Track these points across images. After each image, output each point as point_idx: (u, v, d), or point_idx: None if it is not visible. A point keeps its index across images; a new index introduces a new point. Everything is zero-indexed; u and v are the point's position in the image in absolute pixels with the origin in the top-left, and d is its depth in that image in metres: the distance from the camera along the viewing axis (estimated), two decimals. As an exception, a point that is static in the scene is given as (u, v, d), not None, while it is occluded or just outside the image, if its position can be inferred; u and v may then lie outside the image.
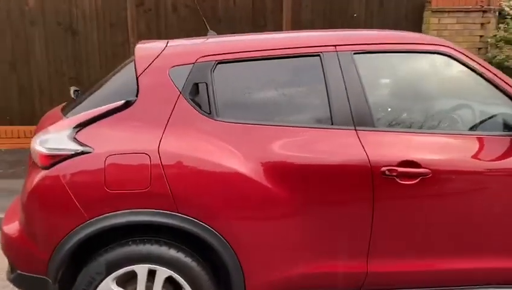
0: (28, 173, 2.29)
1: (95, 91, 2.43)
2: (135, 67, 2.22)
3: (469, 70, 2.27)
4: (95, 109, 2.13)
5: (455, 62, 2.26)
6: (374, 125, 2.17)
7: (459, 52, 2.27)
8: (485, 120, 2.33)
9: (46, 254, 2.07)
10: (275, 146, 2.12)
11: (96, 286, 2.07)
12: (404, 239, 2.20)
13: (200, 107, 2.14)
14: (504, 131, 2.27)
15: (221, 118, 2.13)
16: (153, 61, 2.21)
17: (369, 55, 2.25)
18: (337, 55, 2.22)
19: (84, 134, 2.07)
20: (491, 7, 6.08)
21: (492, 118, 2.31)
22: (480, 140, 2.24)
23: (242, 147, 2.09)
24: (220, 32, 6.10)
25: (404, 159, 2.11)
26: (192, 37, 2.66)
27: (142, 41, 2.57)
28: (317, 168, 2.11)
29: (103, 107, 2.13)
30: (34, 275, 2.12)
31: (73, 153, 2.02)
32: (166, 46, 2.29)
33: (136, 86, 2.17)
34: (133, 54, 2.36)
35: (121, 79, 2.38)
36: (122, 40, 6.03)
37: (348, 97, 2.17)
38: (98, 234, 2.03)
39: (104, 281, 2.07)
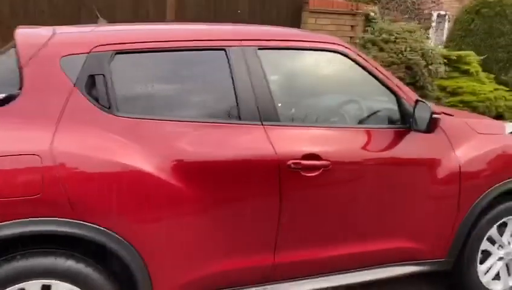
0: None
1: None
2: (17, 56, 1.94)
3: (361, 69, 2.44)
4: (-32, 105, 1.81)
5: (349, 61, 2.42)
6: (279, 120, 2.21)
7: (353, 51, 2.43)
8: (373, 114, 2.53)
9: None
10: (180, 142, 2.04)
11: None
12: (309, 229, 2.29)
13: (97, 101, 1.95)
14: (388, 124, 2.50)
15: (121, 113, 1.97)
16: (39, 49, 1.95)
17: (273, 51, 2.29)
18: (242, 50, 2.20)
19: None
20: (359, 11, 6.65)
21: (379, 112, 2.52)
22: (370, 132, 2.43)
23: (144, 144, 1.96)
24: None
25: (307, 152, 2.19)
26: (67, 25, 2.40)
27: (21, 26, 2.25)
28: (223, 163, 2.08)
29: (-22, 103, 1.82)
30: None
31: None
32: (54, 33, 2.04)
33: (20, 78, 1.90)
34: (11, 40, 2.07)
35: (1, 69, 2.06)
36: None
37: (254, 92, 2.17)
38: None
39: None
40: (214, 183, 2.06)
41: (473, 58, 7.73)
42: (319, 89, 2.51)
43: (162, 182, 1.96)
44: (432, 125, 2.29)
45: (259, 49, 2.24)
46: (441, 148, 2.53)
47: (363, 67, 2.45)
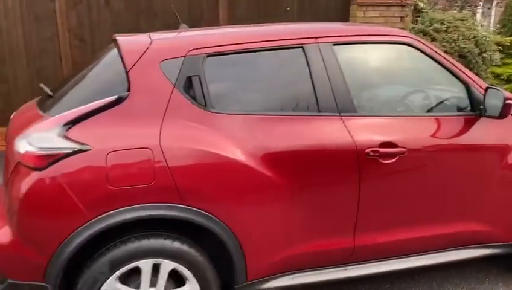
0: (6, 176, 2.16)
1: (73, 87, 2.34)
2: (123, 62, 2.18)
3: (429, 59, 2.55)
4: (85, 106, 2.06)
5: (418, 52, 2.53)
6: (355, 111, 2.36)
7: (422, 43, 2.54)
8: (443, 102, 2.63)
9: (44, 258, 1.98)
10: (268, 135, 2.21)
11: (100, 286, 2.03)
12: (387, 212, 2.43)
13: (195, 99, 2.16)
14: (459, 112, 2.59)
15: (216, 109, 2.18)
16: (142, 55, 2.18)
17: (346, 46, 2.43)
18: (319, 46, 2.37)
19: (76, 132, 2.00)
20: (408, 2, 6.64)
21: (450, 100, 2.62)
22: (441, 120, 2.53)
23: (237, 137, 2.16)
24: (156, 26, 5.99)
25: (384, 140, 2.33)
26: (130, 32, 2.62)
27: (118, 34, 2.51)
28: (308, 153, 2.25)
29: (94, 103, 2.07)
30: (30, 283, 2.02)
31: (70, 151, 1.94)
32: (151, 39, 2.27)
33: (127, 81, 2.14)
34: (114, 47, 2.32)
35: (105, 74, 2.32)
36: (51, 34, 5.66)
37: (331, 86, 2.33)
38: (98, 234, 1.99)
39: (108, 280, 2.04)
40: (298, 171, 2.23)
41: (527, 43, 7.56)
42: (391, 80, 2.64)
43: (253, 171, 2.15)
44: (505, 111, 2.38)
45: (334, 45, 2.40)
46: (509, 135, 2.60)
47: (432, 58, 2.56)
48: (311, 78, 2.33)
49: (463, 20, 6.24)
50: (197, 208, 2.08)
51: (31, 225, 1.98)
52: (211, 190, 2.09)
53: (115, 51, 2.37)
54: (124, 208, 1.98)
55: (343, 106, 2.34)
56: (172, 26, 5.86)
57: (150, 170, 2.00)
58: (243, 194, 2.16)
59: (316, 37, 2.39)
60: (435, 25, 6.09)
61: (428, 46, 2.56)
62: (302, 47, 2.35)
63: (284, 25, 2.74)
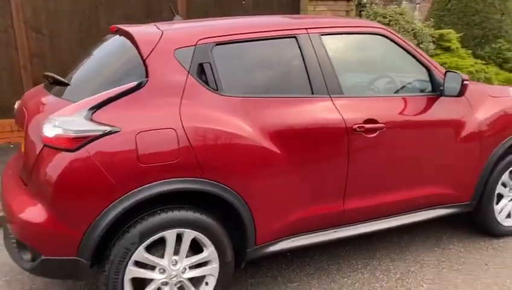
0: (29, 160, 2.26)
1: (87, 75, 2.49)
2: (139, 51, 2.36)
3: (399, 48, 2.96)
4: (107, 92, 2.23)
5: (390, 41, 2.93)
6: (342, 93, 2.71)
7: (392, 33, 2.95)
8: (412, 85, 3.06)
9: (78, 233, 2.13)
10: (271, 115, 2.50)
11: (131, 256, 2.22)
12: (370, 180, 2.81)
13: (207, 84, 2.40)
14: (424, 92, 3.03)
15: (225, 93, 2.43)
16: (156, 44, 2.37)
17: (332, 36, 2.77)
18: (309, 36, 2.68)
19: (101, 115, 2.16)
20: (350, -3, 7.17)
21: (417, 83, 3.05)
22: (411, 100, 2.95)
23: (245, 117, 2.42)
24: (115, 18, 6.01)
25: (368, 117, 2.70)
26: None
27: (125, 25, 2.66)
28: (305, 129, 2.56)
29: (116, 89, 2.24)
30: (64, 258, 2.16)
31: (101, 133, 2.11)
32: (161, 30, 2.47)
33: (144, 68, 2.32)
34: (117, 37, 2.51)
35: (120, 62, 2.47)
36: (6, 26, 5.51)
37: (321, 71, 2.66)
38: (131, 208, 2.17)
39: (137, 251, 2.23)
40: (298, 146, 2.54)
41: (453, 35, 8.41)
42: (368, 65, 3.02)
43: (260, 146, 2.42)
44: (463, 90, 2.84)
45: (321, 35, 2.73)
46: (464, 111, 3.09)
47: (400, 46, 2.97)
48: (305, 64, 2.64)
49: (402, 14, 6.87)
50: (215, 181, 2.32)
51: (66, 202, 2.12)
52: (226, 165, 2.35)
53: (123, 40, 2.54)
54: (152, 183, 2.19)
55: (332, 89, 2.68)
56: (132, 18, 5.95)
57: (174, 148, 2.22)
58: (252, 167, 2.42)
59: (307, 28, 2.70)
60: (378, 19, 6.64)
61: (397, 36, 2.97)
62: (295, 37, 2.66)
63: (278, 17, 3.03)
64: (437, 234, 3.53)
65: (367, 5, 7.01)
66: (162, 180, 2.21)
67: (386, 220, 2.97)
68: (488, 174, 3.24)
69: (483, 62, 8.92)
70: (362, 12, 7.05)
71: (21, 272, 3.02)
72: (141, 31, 2.52)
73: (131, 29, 2.52)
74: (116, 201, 2.14)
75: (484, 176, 3.23)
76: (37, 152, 2.21)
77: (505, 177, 3.37)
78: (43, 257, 2.16)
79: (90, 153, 2.10)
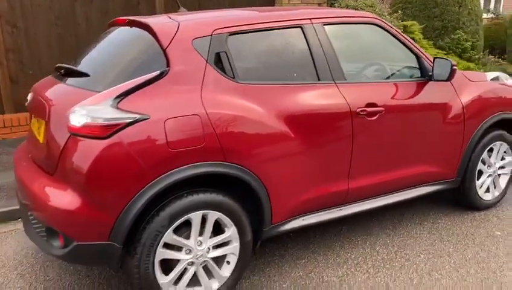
0: (54, 152, 2.30)
1: (104, 65, 2.54)
2: (158, 41, 2.43)
3: (391, 36, 3.18)
4: (132, 81, 2.30)
5: (384, 31, 3.14)
6: (345, 79, 2.89)
7: (385, 23, 3.16)
8: (405, 71, 3.29)
9: (111, 218, 2.20)
10: (283, 100, 2.64)
11: (161, 238, 2.31)
12: (372, 160, 3.01)
13: (224, 72, 2.51)
14: (414, 78, 3.26)
15: (241, 80, 2.55)
16: (175, 34, 2.46)
17: (334, 26, 2.95)
18: (313, 26, 2.85)
19: (128, 104, 2.24)
20: (325, -11, 7.40)
21: (409, 69, 3.28)
22: (405, 85, 3.17)
23: (260, 103, 2.55)
24: (92, 12, 5.97)
25: (369, 102, 2.90)
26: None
27: (136, 17, 2.72)
28: (314, 114, 2.73)
29: (139, 78, 2.31)
30: (96, 243, 2.22)
31: (132, 120, 2.19)
32: (177, 21, 2.55)
33: (165, 58, 2.40)
34: (135, 27, 2.58)
35: (139, 52, 2.53)
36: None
37: (326, 58, 2.83)
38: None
39: (167, 232, 2.32)
40: (308, 129, 2.69)
41: (416, 27, 8.83)
42: (365, 53, 3.22)
43: (275, 130, 2.56)
44: (452, 74, 3.09)
45: (324, 25, 2.90)
46: (450, 94, 3.35)
47: (392, 35, 3.19)
48: (311, 52, 2.80)
49: (372, 6, 7.17)
50: (236, 164, 2.45)
51: (99, 188, 2.18)
52: (245, 148, 2.47)
53: (137, 31, 2.60)
54: (181, 168, 2.28)
55: (336, 75, 2.85)
56: (110, 11, 5.91)
57: (200, 133, 2.32)
58: (268, 149, 2.56)
59: (311, 19, 2.86)
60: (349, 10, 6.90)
61: (390, 26, 3.18)
62: (301, 27, 2.81)
63: (284, 8, 3.17)
64: (424, 211, 3.80)
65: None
66: (190, 165, 2.31)
67: (384, 197, 3.20)
68: (471, 153, 3.54)
69: (444, 52, 9.43)
70: (336, 4, 7.28)
71: (31, 265, 3.04)
72: (159, 22, 2.58)
73: (149, 20, 2.58)
74: (147, 185, 2.22)
75: (467, 154, 3.52)
76: (64, 142, 2.25)
77: (485, 155, 3.67)
78: (75, 243, 2.22)
79: (121, 140, 2.17)
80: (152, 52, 2.45)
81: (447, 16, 9.97)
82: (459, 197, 3.78)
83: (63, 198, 2.22)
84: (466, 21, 10.08)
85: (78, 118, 2.19)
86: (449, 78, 3.11)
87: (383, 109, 2.95)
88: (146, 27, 2.54)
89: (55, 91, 2.58)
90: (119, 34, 2.77)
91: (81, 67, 2.64)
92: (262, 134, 2.53)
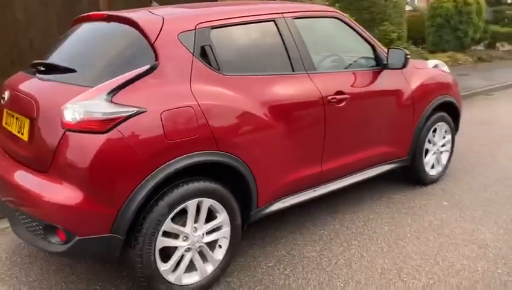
0: (48, 148, 2.29)
1: (85, 60, 2.55)
2: (145, 36, 2.48)
3: (350, 29, 3.46)
4: (123, 75, 2.33)
5: (344, 24, 3.41)
6: (315, 69, 3.12)
7: (344, 16, 3.43)
8: (364, 60, 3.58)
9: (113, 210, 2.25)
10: (263, 90, 2.81)
11: (161, 227, 2.39)
12: (340, 143, 3.28)
13: (210, 64, 2.62)
14: (371, 67, 3.58)
15: (225, 72, 2.67)
16: (161, 29, 2.52)
17: (302, 19, 3.15)
18: (285, 20, 3.03)
19: (121, 97, 2.28)
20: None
21: (367, 59, 3.58)
22: (364, 73, 3.48)
23: (244, 93, 2.70)
24: (36, 5, 5.73)
25: (337, 90, 3.16)
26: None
27: (114, 11, 2.73)
28: (292, 102, 2.93)
29: (131, 73, 2.36)
30: (99, 236, 2.26)
31: (130, 114, 2.24)
32: (161, 16, 2.61)
33: (153, 52, 2.46)
34: (115, 22, 2.62)
35: (125, 46, 2.55)
36: None
37: (298, 50, 3.03)
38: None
39: (166, 221, 2.41)
40: (286, 117, 2.88)
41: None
42: (329, 44, 3.47)
43: (258, 118, 2.72)
44: (406, 62, 3.43)
45: (294, 18, 3.09)
46: (401, 81, 3.71)
47: (351, 27, 3.47)
48: (284, 44, 2.99)
49: (311, 0, 7.51)
50: (228, 152, 2.58)
51: (101, 182, 2.22)
52: (234, 136, 2.61)
53: (119, 26, 2.63)
54: (178, 158, 2.37)
55: (308, 66, 3.07)
56: (51, 5, 5.67)
57: (194, 124, 2.42)
58: (253, 137, 2.72)
59: (282, 13, 3.04)
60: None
61: (348, 19, 3.46)
62: (274, 20, 2.99)
63: (258, 2, 3.32)
64: (379, 188, 4.16)
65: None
66: (186, 154, 2.40)
67: (350, 177, 3.49)
68: (419, 133, 3.94)
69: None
70: None
71: (8, 268, 2.96)
72: (143, 17, 2.62)
73: (132, 15, 2.61)
74: (148, 176, 2.29)
75: (417, 134, 3.92)
76: (58, 138, 2.25)
77: (430, 135, 4.10)
78: (77, 238, 2.23)
79: (121, 133, 2.21)
80: (139, 47, 2.49)
81: (375, 9, 10.65)
82: (409, 174, 4.18)
83: (63, 194, 2.22)
84: (392, 13, 10.84)
85: (73, 113, 2.20)
86: (403, 66, 3.46)
87: (348, 96, 3.22)
88: (130, 22, 2.57)
89: (39, 87, 2.54)
90: (99, 29, 2.77)
91: (62, 63, 2.61)
92: (247, 123, 2.68)
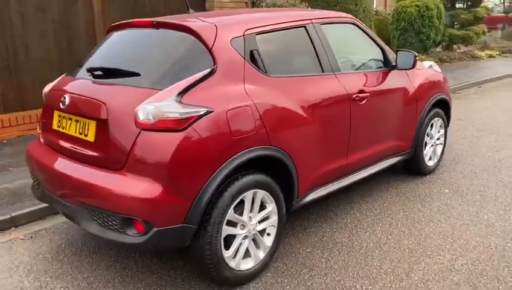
0: (124, 147, 2.45)
1: (146, 65, 2.73)
2: (203, 42, 2.69)
3: (364, 33, 3.80)
4: (188, 79, 2.54)
5: (358, 29, 3.75)
6: (340, 70, 3.42)
7: (360, 22, 3.76)
8: (378, 62, 3.92)
9: (188, 201, 2.44)
10: (301, 89, 3.07)
11: (225, 216, 2.61)
12: (362, 137, 3.60)
13: (258, 67, 2.86)
14: (383, 68, 3.93)
15: (271, 74, 2.92)
16: (216, 35, 2.74)
17: (327, 25, 3.45)
18: (314, 26, 3.32)
19: (188, 99, 2.48)
20: (250, -11, 7.91)
21: (377, 60, 3.93)
22: (379, 73, 3.82)
23: (288, 93, 2.96)
24: (32, 10, 5.82)
25: (360, 88, 3.48)
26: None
27: (164, 18, 2.92)
28: (324, 100, 3.21)
29: (194, 76, 2.56)
30: (175, 226, 2.44)
31: (202, 113, 2.45)
32: (214, 23, 2.82)
33: (211, 57, 2.68)
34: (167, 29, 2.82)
35: (183, 52, 2.73)
36: None
37: (326, 53, 3.33)
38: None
39: (229, 211, 2.63)
40: (320, 112, 3.16)
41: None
42: (349, 47, 3.79)
43: (298, 114, 2.98)
44: (415, 63, 3.81)
45: (321, 24, 3.39)
46: (406, 80, 4.09)
47: (365, 32, 3.81)
48: (314, 48, 3.27)
49: (294, 5, 7.85)
50: (277, 147, 2.83)
51: (179, 176, 2.40)
52: (281, 132, 2.85)
53: (173, 32, 2.82)
54: (241, 152, 2.60)
55: (334, 67, 3.37)
56: (45, 9, 5.69)
57: (252, 122, 2.66)
58: (295, 132, 2.97)
59: (311, 19, 3.33)
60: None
61: (363, 25, 3.80)
62: (305, 26, 3.27)
63: (289, 10, 3.56)
64: (385, 180, 4.53)
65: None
66: (247, 149, 2.63)
67: (368, 169, 3.82)
68: (421, 128, 4.34)
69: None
70: (263, 4, 7.82)
71: (60, 266, 3.06)
72: (199, 24, 2.81)
73: (189, 23, 2.80)
74: (218, 170, 2.50)
75: (419, 129, 4.32)
76: (133, 137, 2.42)
77: (428, 129, 4.51)
78: (155, 229, 2.40)
79: (196, 131, 2.42)
80: (198, 52, 2.69)
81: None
82: (411, 165, 4.57)
83: (142, 188, 2.38)
84: (361, 18, 11.35)
85: (148, 114, 2.38)
86: (413, 66, 3.83)
87: (368, 94, 3.55)
88: (187, 29, 2.76)
89: (105, 90, 2.68)
90: (150, 35, 2.93)
91: (121, 67, 2.77)
92: (290, 119, 2.94)
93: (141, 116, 2.39)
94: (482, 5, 15.92)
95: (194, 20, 2.89)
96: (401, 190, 4.31)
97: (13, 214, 3.66)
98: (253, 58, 2.85)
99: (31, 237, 3.51)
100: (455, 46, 15.25)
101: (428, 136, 4.55)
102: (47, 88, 3.19)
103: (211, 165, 2.48)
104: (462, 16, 15.05)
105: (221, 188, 2.59)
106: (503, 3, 17.83)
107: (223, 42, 2.75)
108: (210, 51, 2.69)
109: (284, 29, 3.15)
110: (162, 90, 2.49)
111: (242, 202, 2.72)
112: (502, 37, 16.25)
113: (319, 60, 3.28)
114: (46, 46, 5.91)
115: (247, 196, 2.73)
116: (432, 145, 4.65)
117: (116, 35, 3.16)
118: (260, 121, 2.71)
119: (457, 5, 15.75)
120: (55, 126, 2.93)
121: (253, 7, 7.90)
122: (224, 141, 2.52)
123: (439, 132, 4.72)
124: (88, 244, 3.37)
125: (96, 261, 3.13)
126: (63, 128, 2.85)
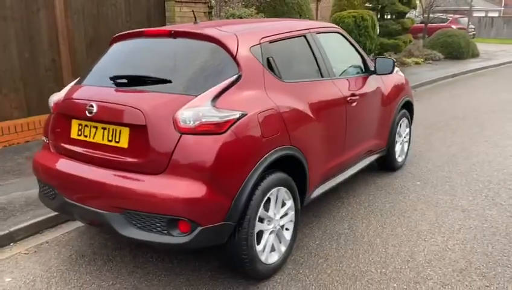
0: (153, 150, 2.54)
1: (174, 72, 2.84)
2: (228, 50, 2.86)
3: (347, 42, 4.16)
4: (219, 85, 2.70)
5: (343, 38, 4.10)
6: (334, 75, 3.73)
7: (344, 32, 4.11)
8: (358, 68, 4.28)
9: (229, 200, 2.58)
10: (308, 93, 3.33)
11: (258, 213, 2.78)
12: (354, 135, 3.93)
13: (274, 73, 3.07)
14: (363, 73, 4.31)
15: (285, 79, 3.15)
16: (238, 44, 2.92)
17: (321, 34, 3.75)
18: (311, 35, 3.61)
19: (222, 103, 2.65)
20: (206, 1, 8.08)
21: (359, 67, 4.30)
22: (362, 78, 4.19)
23: (299, 97, 3.20)
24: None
25: (352, 92, 3.81)
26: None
27: (175, 27, 3.04)
28: (329, 102, 3.50)
29: (224, 82, 2.72)
30: (217, 224, 2.57)
31: (239, 116, 2.61)
32: (234, 32, 3.00)
33: (236, 64, 2.85)
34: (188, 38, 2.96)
35: (210, 59, 2.86)
36: None
37: (323, 59, 3.62)
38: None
39: (260, 207, 2.80)
40: (324, 114, 3.43)
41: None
42: (338, 54, 4.10)
43: (309, 116, 3.23)
44: (393, 69, 4.22)
45: (316, 33, 3.68)
46: (381, 84, 4.51)
47: (349, 41, 4.17)
48: (314, 55, 3.56)
49: (252, 15, 8.15)
50: (296, 147, 3.05)
51: (221, 177, 2.54)
52: (298, 132, 3.08)
53: (195, 42, 2.95)
54: (270, 152, 2.79)
55: (330, 73, 3.67)
56: (12, 18, 5.47)
57: (277, 123, 2.86)
58: (307, 132, 3.22)
59: (309, 29, 3.61)
60: (236, 18, 7.76)
61: (346, 34, 4.15)
62: (305, 36, 3.54)
63: (289, 20, 3.79)
64: (361, 177, 4.91)
65: (213, 7, 8.02)
66: (274, 149, 2.83)
67: (355, 166, 4.16)
68: (393, 127, 4.78)
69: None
70: (222, 14, 8.01)
71: (80, 276, 3.04)
72: (221, 33, 2.96)
73: (212, 32, 2.94)
74: (253, 169, 2.67)
75: (392, 128, 4.75)
76: (175, 142, 2.52)
77: (398, 128, 4.97)
78: (200, 228, 2.51)
79: (234, 133, 2.57)
80: (224, 60, 2.85)
81: (293, 23, 11.63)
82: (384, 162, 4.99)
83: (187, 189, 2.48)
84: (306, 27, 11.92)
85: (188, 119, 2.51)
86: (391, 72, 4.24)
87: (358, 97, 3.89)
88: (210, 38, 2.90)
89: (135, 97, 2.73)
90: (171, 44, 3.02)
91: (145, 74, 2.85)
92: (303, 120, 3.18)
93: (182, 121, 2.51)
94: (407, 16, 17.29)
95: (213, 30, 3.04)
96: (379, 185, 4.70)
97: (12, 229, 3.53)
98: (269, 65, 3.06)
99: (35, 251, 3.42)
100: (386, 54, 16.40)
101: (398, 134, 5.00)
102: (56, 97, 3.16)
103: (248, 164, 2.65)
104: (392, 26, 16.22)
105: (258, 181, 2.75)
106: (423, 14, 19.48)
107: (244, 50, 2.93)
108: (234, 58, 2.86)
109: (290, 38, 3.39)
110: (196, 96, 2.62)
111: (268, 199, 2.90)
112: (424, 46, 17.73)
113: (318, 66, 3.57)
114: (9, 55, 5.67)
115: (273, 193, 2.92)
116: (401, 143, 5.12)
117: (127, 44, 3.21)
118: (283, 122, 2.92)
119: (386, 17, 16.96)
120: (74, 135, 2.92)
121: (209, 19, 8.07)
122: (257, 141, 2.70)
123: (405, 130, 5.21)
124: (99, 254, 3.36)
125: (116, 269, 3.14)
126: (85, 136, 2.85)
